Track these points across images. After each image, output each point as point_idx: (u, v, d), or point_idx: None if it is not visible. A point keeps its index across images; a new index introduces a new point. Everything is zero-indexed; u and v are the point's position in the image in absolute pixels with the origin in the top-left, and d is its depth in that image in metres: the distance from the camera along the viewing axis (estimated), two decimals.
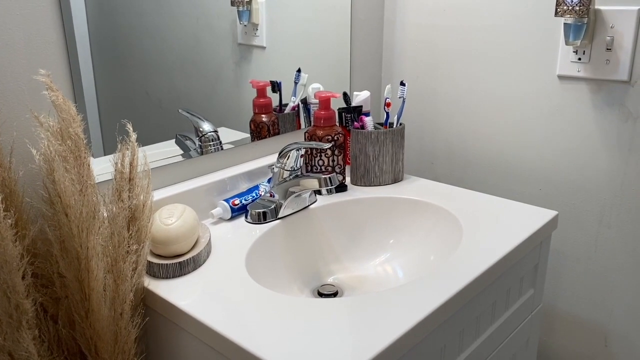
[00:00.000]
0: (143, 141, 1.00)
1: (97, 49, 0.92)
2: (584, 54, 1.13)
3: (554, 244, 1.27)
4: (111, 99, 0.96)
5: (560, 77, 1.18)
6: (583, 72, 1.14)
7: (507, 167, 1.31)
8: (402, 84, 1.20)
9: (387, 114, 1.21)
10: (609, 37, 1.08)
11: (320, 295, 1.01)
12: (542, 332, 1.35)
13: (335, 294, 1.01)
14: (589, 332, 1.28)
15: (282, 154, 1.04)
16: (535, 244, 1.01)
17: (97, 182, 0.90)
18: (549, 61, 1.19)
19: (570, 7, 1.05)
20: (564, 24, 1.09)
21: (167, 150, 1.04)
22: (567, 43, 1.10)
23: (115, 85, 0.96)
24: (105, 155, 0.96)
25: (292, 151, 1.04)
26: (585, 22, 1.07)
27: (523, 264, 1.00)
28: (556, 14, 1.07)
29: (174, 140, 1.06)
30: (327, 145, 1.02)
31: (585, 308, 1.27)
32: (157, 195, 0.98)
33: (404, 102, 1.22)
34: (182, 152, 1.06)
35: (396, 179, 1.23)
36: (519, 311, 1.03)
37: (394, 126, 1.21)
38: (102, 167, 0.94)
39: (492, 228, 1.00)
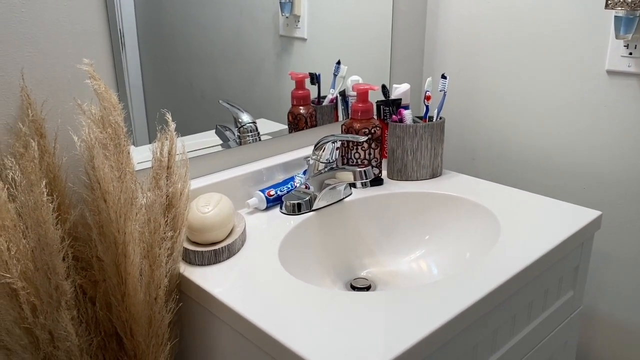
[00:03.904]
0: (186, 131, 1.02)
1: (144, 41, 0.94)
2: (635, 48, 1.08)
3: (598, 245, 1.23)
4: (157, 90, 0.98)
5: (610, 72, 1.14)
6: (634, 67, 1.09)
7: (549, 164, 1.27)
8: (443, 77, 1.18)
9: (427, 107, 1.19)
10: None
11: (353, 288, 1.01)
12: (581, 334, 1.31)
13: (368, 288, 1.00)
14: (632, 337, 1.23)
15: (318, 146, 1.04)
16: (576, 245, 0.98)
17: (140, 169, 0.93)
18: (597, 55, 1.14)
19: (621, 0, 1.01)
20: (615, 16, 1.05)
21: (207, 140, 1.06)
22: (617, 37, 1.06)
23: (162, 77, 0.98)
24: (150, 143, 0.98)
25: (328, 143, 1.04)
26: (638, 15, 1.02)
27: (563, 265, 0.97)
28: (606, 6, 1.03)
29: (214, 130, 1.07)
30: (363, 139, 1.01)
31: (629, 312, 1.22)
32: (195, 184, 1.00)
33: (444, 95, 1.20)
34: (221, 142, 1.08)
35: (434, 174, 1.21)
36: (557, 313, 1.00)
37: (434, 120, 1.20)
38: (145, 156, 0.96)
39: (531, 227, 0.98)
